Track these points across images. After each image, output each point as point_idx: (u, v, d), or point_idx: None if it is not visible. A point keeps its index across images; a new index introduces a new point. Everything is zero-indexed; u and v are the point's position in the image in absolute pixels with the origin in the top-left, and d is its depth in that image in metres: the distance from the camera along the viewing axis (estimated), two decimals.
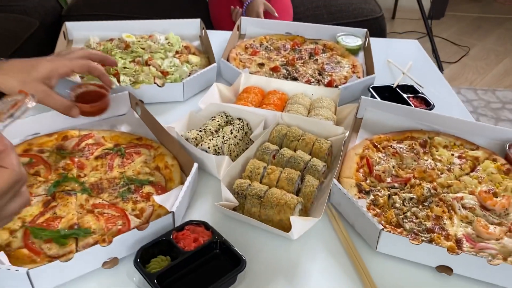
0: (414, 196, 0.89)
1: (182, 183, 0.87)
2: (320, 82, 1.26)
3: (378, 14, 1.94)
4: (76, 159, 0.93)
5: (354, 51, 1.45)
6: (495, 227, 0.83)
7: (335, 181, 0.85)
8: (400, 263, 0.78)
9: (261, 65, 1.34)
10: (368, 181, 0.92)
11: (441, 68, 2.91)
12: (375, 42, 1.47)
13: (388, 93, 1.22)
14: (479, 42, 3.35)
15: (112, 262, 0.74)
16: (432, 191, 0.90)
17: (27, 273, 0.66)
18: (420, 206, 0.87)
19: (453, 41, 3.30)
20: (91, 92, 0.99)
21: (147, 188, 0.87)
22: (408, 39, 1.61)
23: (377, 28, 1.92)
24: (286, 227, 0.79)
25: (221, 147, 0.94)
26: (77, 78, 1.16)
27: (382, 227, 0.76)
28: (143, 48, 1.36)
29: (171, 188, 0.88)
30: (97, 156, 0.95)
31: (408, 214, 0.85)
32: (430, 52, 2.95)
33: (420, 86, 1.24)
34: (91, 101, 0.97)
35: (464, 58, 3.10)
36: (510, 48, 3.30)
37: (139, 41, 1.40)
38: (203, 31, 1.45)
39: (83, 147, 0.97)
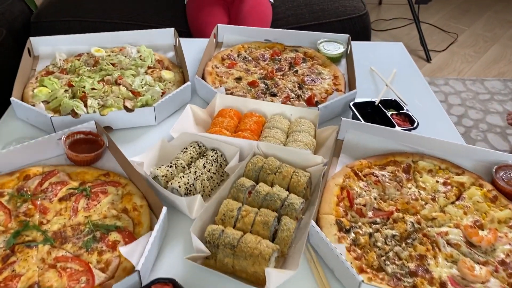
0: (397, 233, 0.85)
1: (151, 227, 0.82)
2: (300, 98, 1.20)
3: (362, 12, 1.86)
4: (38, 202, 0.87)
5: (335, 59, 1.38)
6: (481, 268, 0.79)
7: (313, 223, 0.80)
8: None
9: (238, 79, 1.27)
10: (348, 216, 0.88)
11: (429, 58, 2.85)
12: (358, 46, 1.41)
13: (370, 108, 1.16)
14: (467, 27, 3.28)
15: None
16: (416, 225, 0.86)
17: None
18: (403, 245, 0.83)
19: (441, 27, 3.23)
20: (81, 140, 1.00)
21: (114, 236, 0.82)
22: (392, 42, 1.55)
23: (361, 27, 1.84)
24: (262, 279, 0.74)
25: (193, 184, 0.88)
26: (40, 106, 1.09)
27: (362, 279, 0.72)
28: (113, 64, 1.28)
29: (139, 233, 0.83)
30: (61, 198, 0.89)
31: (391, 254, 0.81)
32: (418, 40, 2.88)
33: (404, 103, 1.18)
34: (82, 148, 0.97)
35: (452, 46, 3.03)
36: (499, 33, 3.24)
37: (109, 56, 1.33)
38: (178, 40, 1.38)
39: (46, 188, 0.91)
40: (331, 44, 1.42)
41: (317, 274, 0.79)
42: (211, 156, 0.94)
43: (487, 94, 2.56)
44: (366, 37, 1.87)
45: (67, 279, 0.74)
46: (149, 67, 1.29)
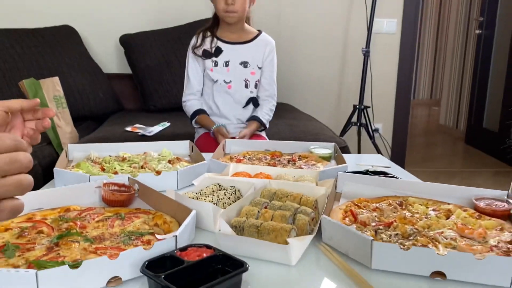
0: (399, 232, 0.96)
1: None
2: None
3: (343, 145, 2.19)
4: (78, 223, 0.98)
5: (327, 158, 1.63)
6: (476, 246, 0.89)
7: (323, 215, 0.92)
8: (397, 278, 0.81)
9: None
10: (354, 226, 0.99)
11: None
12: (344, 156, 1.67)
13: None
14: None
15: (116, 282, 0.75)
16: (414, 230, 0.98)
17: (36, 275, 0.67)
18: (406, 241, 0.93)
19: None
20: (115, 190, 1.13)
21: (148, 237, 0.91)
22: (375, 154, 1.82)
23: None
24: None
25: (216, 203, 1.02)
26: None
27: (372, 238, 0.82)
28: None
29: None
30: (98, 220, 1.00)
31: (396, 245, 0.91)
32: None
33: (392, 175, 1.38)
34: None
35: None
36: None
37: (133, 159, 1.55)
38: (193, 149, 1.63)
39: (85, 216, 1.02)
40: (321, 149, 1.68)
41: (335, 259, 0.87)
42: (230, 189, 1.09)
43: None
44: None
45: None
46: (169, 161, 1.51)
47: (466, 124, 5.31)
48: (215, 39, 2.16)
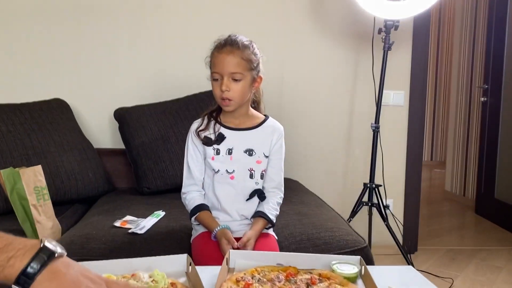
0: None
1: None
2: None
3: (363, 245, 1.93)
4: None
5: (352, 279, 1.36)
6: None
7: None
8: None
9: None
10: None
11: None
12: (370, 269, 1.41)
13: None
14: (460, 272, 3.34)
15: None
16: None
17: None
18: None
19: (435, 273, 3.27)
20: None
21: None
22: (403, 265, 1.56)
23: (364, 259, 1.87)
24: None
25: None
26: None
27: None
28: None
29: None
30: None
31: None
32: None
33: None
34: None
35: None
36: (491, 278, 3.27)
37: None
38: (190, 267, 1.36)
39: None
40: (345, 265, 1.42)
41: None
42: None
43: None
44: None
45: None
46: None
47: (475, 193, 5.07)
48: (217, 125, 1.95)
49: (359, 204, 3.07)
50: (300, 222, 2.15)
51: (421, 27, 3.50)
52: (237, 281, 1.32)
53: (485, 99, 4.81)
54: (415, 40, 3.49)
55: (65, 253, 0.81)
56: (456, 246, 3.96)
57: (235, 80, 1.81)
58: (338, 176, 3.53)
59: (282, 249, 1.92)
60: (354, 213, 3.07)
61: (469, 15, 5.38)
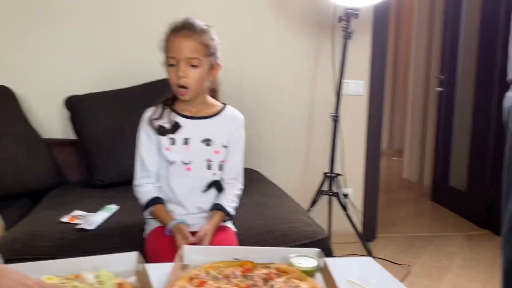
0: None
1: None
2: None
3: (323, 236, 1.90)
4: None
5: (310, 273, 1.32)
6: None
7: None
8: None
9: None
10: None
11: None
12: (330, 261, 1.37)
13: None
14: (417, 259, 3.40)
15: None
16: None
17: None
18: None
19: (393, 260, 3.31)
20: None
21: None
22: (362, 257, 1.54)
23: (323, 250, 1.83)
24: None
25: None
26: None
27: None
28: None
29: None
30: None
31: None
32: None
33: None
34: None
35: (409, 277, 3.07)
36: (447, 264, 3.35)
37: (63, 283, 1.18)
38: (141, 266, 1.28)
39: None
40: (303, 259, 1.38)
41: None
42: None
43: None
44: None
45: None
46: None
47: (432, 180, 5.20)
48: (172, 113, 1.85)
49: (319, 193, 3.06)
50: (259, 214, 2.10)
51: (381, 17, 3.50)
52: (191, 279, 1.25)
53: (441, 89, 4.91)
54: (375, 29, 3.49)
55: (2, 261, 0.73)
56: (414, 233, 4.03)
57: (193, 66, 1.72)
58: (299, 165, 3.50)
59: (240, 242, 1.86)
60: (314, 202, 3.06)
61: (427, 7, 5.47)
